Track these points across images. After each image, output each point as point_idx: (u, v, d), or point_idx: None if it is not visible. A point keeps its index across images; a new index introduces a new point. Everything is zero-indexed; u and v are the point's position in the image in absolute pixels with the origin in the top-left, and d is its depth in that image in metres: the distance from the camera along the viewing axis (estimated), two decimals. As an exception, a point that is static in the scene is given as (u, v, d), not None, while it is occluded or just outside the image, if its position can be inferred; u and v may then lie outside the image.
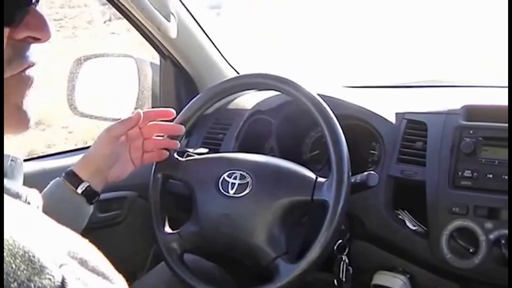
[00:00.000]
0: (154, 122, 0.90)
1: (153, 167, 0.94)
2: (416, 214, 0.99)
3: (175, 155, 0.95)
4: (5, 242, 0.32)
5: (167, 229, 0.93)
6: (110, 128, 0.86)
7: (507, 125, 0.90)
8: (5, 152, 0.45)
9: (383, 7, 7.44)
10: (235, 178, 0.89)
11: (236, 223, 0.87)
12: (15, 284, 0.31)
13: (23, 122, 0.47)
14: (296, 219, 0.91)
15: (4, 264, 0.31)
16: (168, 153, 0.92)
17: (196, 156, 0.97)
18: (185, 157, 0.96)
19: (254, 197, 0.87)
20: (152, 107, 1.21)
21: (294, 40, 6.82)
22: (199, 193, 0.91)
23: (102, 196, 0.87)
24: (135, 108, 1.14)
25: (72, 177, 0.83)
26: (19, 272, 0.31)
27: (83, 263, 0.37)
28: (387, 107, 1.06)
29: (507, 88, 1.05)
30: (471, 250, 0.89)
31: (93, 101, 1.16)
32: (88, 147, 1.20)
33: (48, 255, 0.34)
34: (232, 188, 0.88)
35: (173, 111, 0.91)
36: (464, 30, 6.33)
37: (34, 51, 0.46)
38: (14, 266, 0.31)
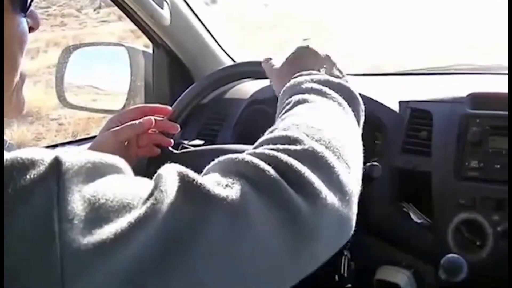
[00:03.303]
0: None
1: (146, 160, 0.91)
2: (421, 207, 0.96)
3: (169, 148, 0.91)
4: (8, 164, 0.34)
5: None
6: (117, 132, 0.81)
7: None
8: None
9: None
10: (232, 171, 0.85)
11: None
12: (10, 190, 0.33)
13: (19, 106, 0.51)
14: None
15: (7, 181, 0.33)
16: (159, 150, 0.89)
17: (191, 148, 0.93)
18: (180, 149, 0.93)
19: None
20: (145, 97, 1.18)
21: (291, 29, 6.80)
22: None
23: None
24: (127, 99, 1.11)
25: None
26: (18, 179, 0.33)
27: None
28: (390, 95, 1.02)
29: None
30: (478, 243, 0.86)
31: (83, 92, 1.12)
32: (80, 140, 1.17)
33: (43, 153, 0.35)
34: None
35: (170, 108, 0.89)
36: (454, 17, 6.33)
37: None
38: (14, 174, 0.33)
